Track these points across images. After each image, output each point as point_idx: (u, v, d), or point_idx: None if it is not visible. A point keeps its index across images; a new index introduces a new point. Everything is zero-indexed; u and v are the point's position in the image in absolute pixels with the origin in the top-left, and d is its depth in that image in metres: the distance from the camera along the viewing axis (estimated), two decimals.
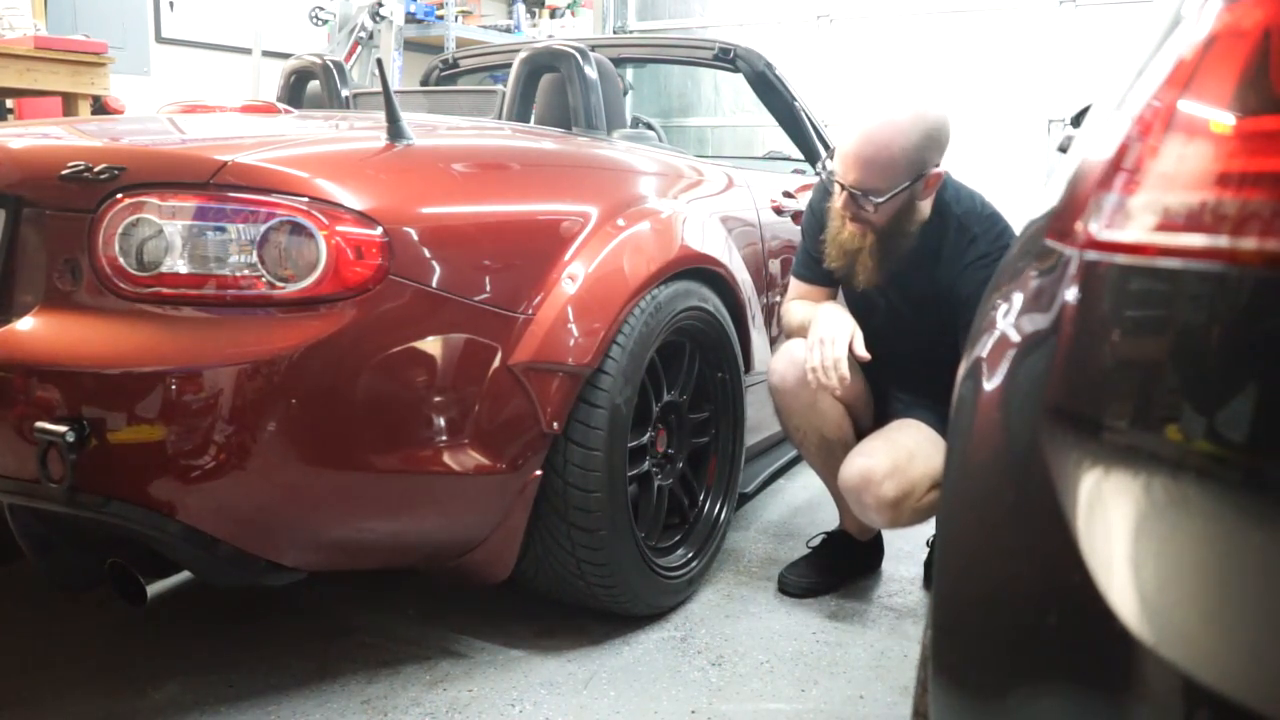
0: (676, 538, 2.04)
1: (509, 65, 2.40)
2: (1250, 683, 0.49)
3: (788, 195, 2.63)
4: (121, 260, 1.41)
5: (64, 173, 1.44)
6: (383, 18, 5.16)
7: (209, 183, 1.40)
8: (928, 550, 2.27)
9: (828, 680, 1.74)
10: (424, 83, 3.40)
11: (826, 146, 3.08)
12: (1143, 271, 0.58)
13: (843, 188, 1.84)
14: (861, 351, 1.82)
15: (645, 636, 1.88)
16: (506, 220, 1.70)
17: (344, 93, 2.51)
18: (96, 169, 1.43)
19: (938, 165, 1.84)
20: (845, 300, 2.07)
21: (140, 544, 1.46)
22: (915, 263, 1.90)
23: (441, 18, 5.72)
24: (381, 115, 1.66)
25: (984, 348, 0.77)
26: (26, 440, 1.37)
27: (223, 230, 1.40)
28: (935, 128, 1.80)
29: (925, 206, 1.89)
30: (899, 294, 1.98)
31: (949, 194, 1.91)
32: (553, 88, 2.26)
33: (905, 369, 2.01)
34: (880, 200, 1.81)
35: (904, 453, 1.85)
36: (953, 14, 5.65)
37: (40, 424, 1.35)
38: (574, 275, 1.71)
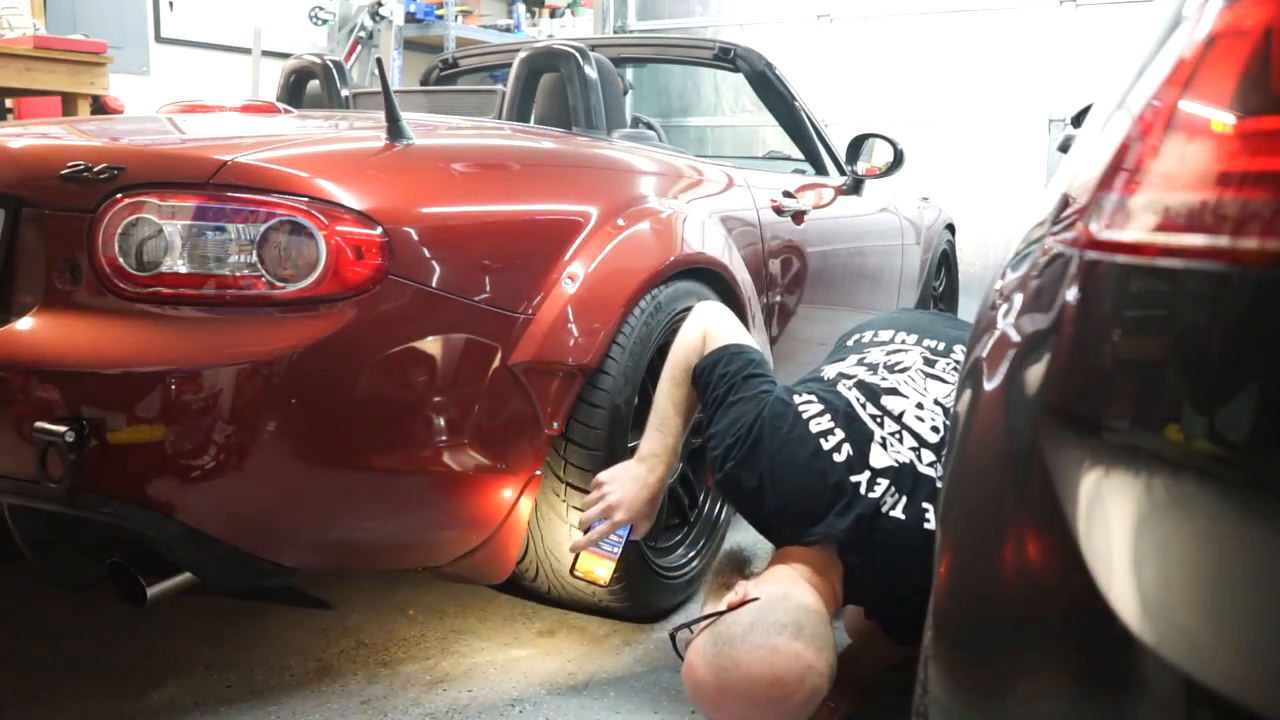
0: (676, 538, 2.04)
1: (509, 65, 2.40)
2: (1250, 683, 0.49)
3: (788, 195, 2.63)
4: (121, 260, 1.40)
5: (64, 173, 1.44)
6: (383, 17, 5.17)
7: (209, 183, 1.40)
8: None
9: None
10: (424, 82, 3.41)
11: (827, 147, 3.08)
12: (1143, 271, 0.58)
13: None
14: None
15: (645, 636, 1.87)
16: (506, 220, 1.70)
17: (344, 93, 2.51)
18: (96, 169, 1.43)
19: None
20: None
21: (140, 544, 1.46)
22: None
23: (441, 17, 5.72)
24: (381, 115, 1.66)
25: (984, 348, 0.77)
26: (26, 440, 1.37)
27: (222, 230, 1.40)
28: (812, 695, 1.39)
29: None
30: None
31: None
32: (553, 88, 2.26)
33: None
34: None
35: None
36: (953, 14, 5.65)
37: (40, 424, 1.35)
38: (574, 275, 1.71)
